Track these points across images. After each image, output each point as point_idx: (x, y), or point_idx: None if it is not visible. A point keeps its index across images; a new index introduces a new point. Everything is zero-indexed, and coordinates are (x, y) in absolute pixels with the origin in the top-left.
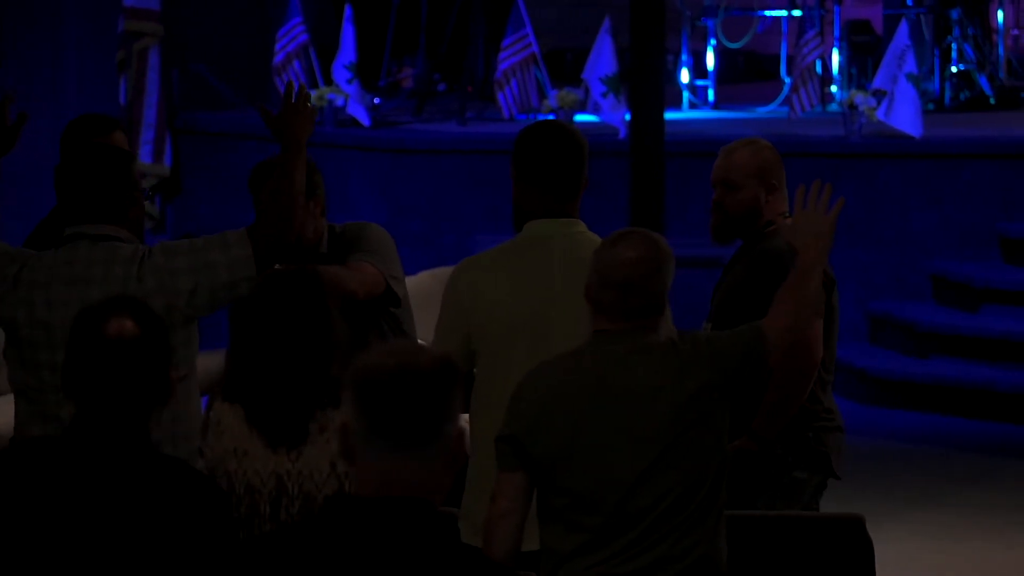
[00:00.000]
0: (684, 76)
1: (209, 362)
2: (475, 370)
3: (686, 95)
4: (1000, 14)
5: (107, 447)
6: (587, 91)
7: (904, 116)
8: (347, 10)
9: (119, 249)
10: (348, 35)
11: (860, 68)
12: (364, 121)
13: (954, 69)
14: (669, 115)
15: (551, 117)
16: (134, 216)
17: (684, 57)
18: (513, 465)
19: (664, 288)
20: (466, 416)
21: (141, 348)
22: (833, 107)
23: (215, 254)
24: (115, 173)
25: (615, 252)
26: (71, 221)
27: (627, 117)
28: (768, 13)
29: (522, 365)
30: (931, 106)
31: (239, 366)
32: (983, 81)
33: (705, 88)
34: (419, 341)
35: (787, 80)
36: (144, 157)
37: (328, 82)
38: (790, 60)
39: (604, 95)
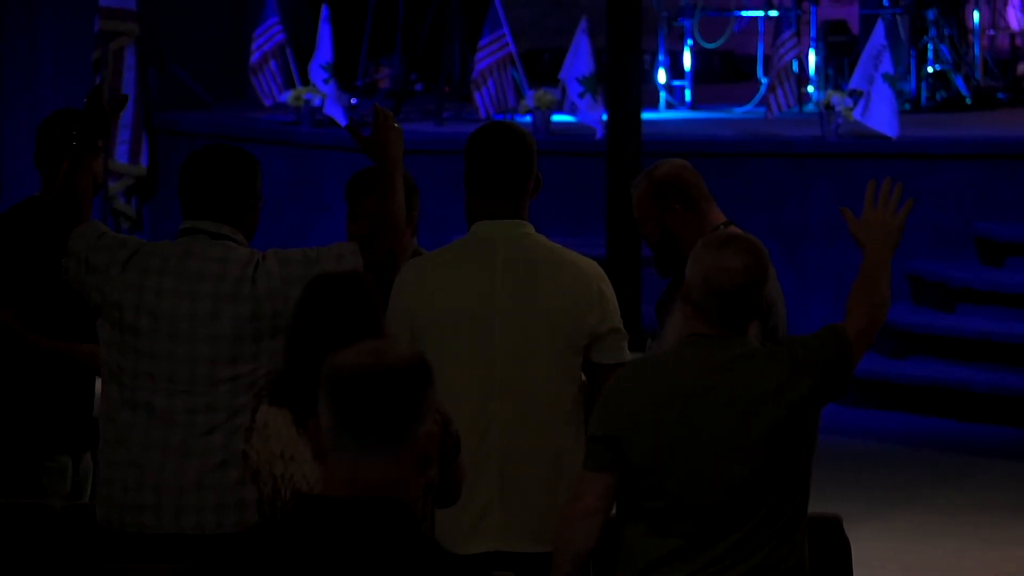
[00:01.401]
0: (661, 76)
1: None
2: None
3: (663, 95)
4: (976, 15)
5: None
6: (564, 91)
7: (880, 116)
8: (324, 10)
9: (235, 250)
10: (325, 35)
11: (836, 68)
12: (341, 121)
13: (930, 69)
14: (646, 115)
15: (528, 117)
16: (249, 222)
17: (661, 57)
18: (606, 465)
19: (764, 295)
20: None
21: None
22: (810, 107)
23: (328, 266)
24: (242, 176)
25: (722, 259)
26: (191, 215)
27: (604, 117)
28: (745, 13)
29: (466, 367)
30: (907, 106)
31: (287, 370)
32: (959, 81)
33: (682, 88)
34: None
35: (764, 80)
36: (120, 157)
37: (305, 82)
38: (767, 60)
39: (581, 95)
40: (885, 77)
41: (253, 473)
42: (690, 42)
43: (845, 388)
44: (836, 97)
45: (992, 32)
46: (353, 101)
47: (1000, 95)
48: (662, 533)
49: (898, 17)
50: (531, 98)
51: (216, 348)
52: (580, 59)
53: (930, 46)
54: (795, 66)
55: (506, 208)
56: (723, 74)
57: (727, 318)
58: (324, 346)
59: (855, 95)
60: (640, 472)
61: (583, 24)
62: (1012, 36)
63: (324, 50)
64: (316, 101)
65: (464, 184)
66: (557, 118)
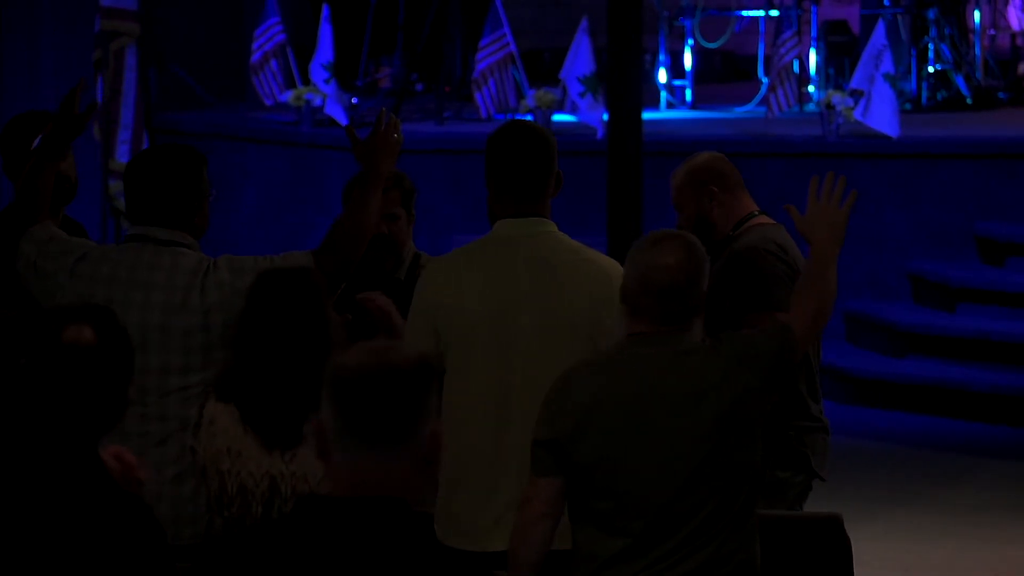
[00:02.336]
0: (662, 76)
1: None
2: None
3: (664, 95)
4: (977, 14)
5: (50, 469)
6: (565, 91)
7: (881, 116)
8: (324, 10)
9: (184, 257)
10: (325, 35)
11: (837, 68)
12: (342, 121)
13: (931, 69)
14: (647, 115)
15: (529, 117)
16: (199, 223)
17: (662, 57)
18: (551, 470)
19: (703, 291)
20: None
21: (97, 359)
22: (810, 107)
23: None
24: (184, 178)
25: (655, 257)
26: (137, 221)
27: (605, 117)
28: (745, 13)
29: (488, 364)
30: (908, 106)
31: (234, 365)
32: (960, 81)
33: (683, 88)
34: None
35: (764, 80)
36: (121, 156)
37: (306, 82)
38: (767, 60)
39: (582, 95)
40: (886, 77)
41: (201, 469)
42: (691, 42)
43: (790, 382)
44: (837, 97)
45: (993, 32)
46: (354, 100)
47: (1001, 95)
48: (611, 533)
49: (899, 17)
50: (532, 98)
51: (165, 359)
52: (581, 58)
53: (931, 46)
54: (796, 66)
55: (528, 207)
56: (724, 74)
57: (666, 315)
58: (271, 342)
59: (856, 95)
60: (586, 473)
61: (583, 24)
62: (1013, 36)
63: (325, 49)
64: (317, 101)
65: (485, 183)
66: (558, 117)
